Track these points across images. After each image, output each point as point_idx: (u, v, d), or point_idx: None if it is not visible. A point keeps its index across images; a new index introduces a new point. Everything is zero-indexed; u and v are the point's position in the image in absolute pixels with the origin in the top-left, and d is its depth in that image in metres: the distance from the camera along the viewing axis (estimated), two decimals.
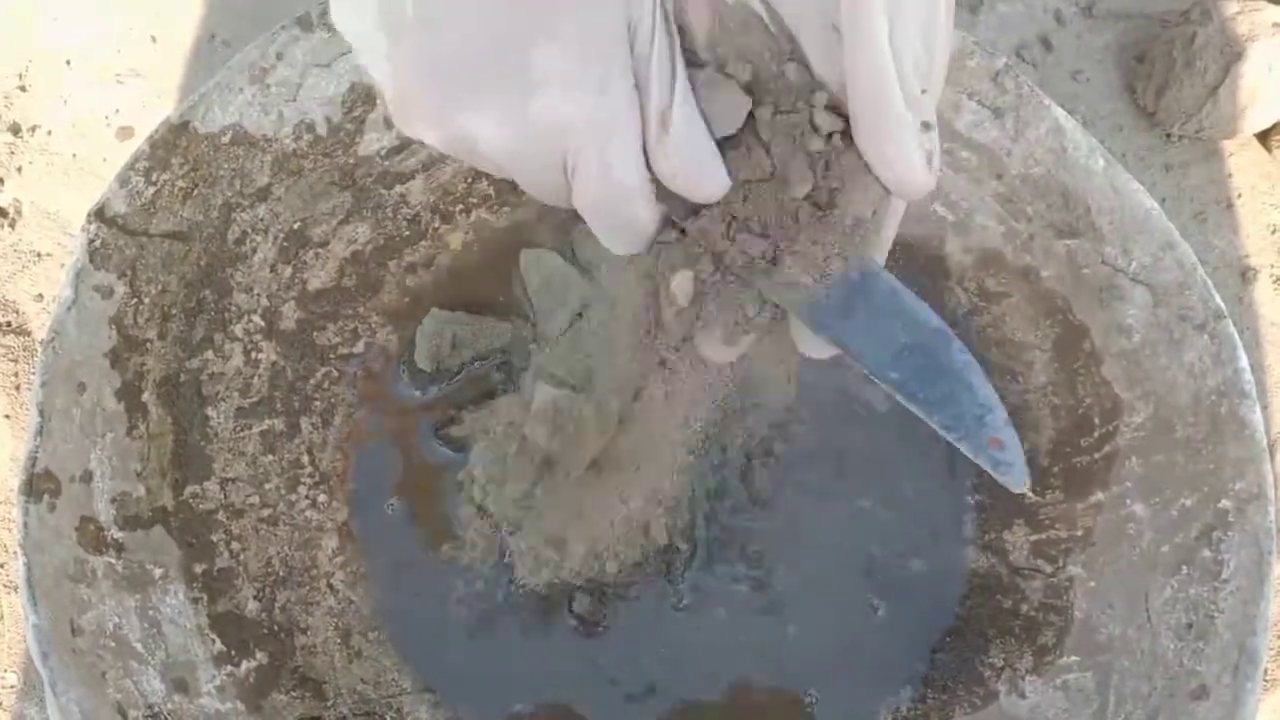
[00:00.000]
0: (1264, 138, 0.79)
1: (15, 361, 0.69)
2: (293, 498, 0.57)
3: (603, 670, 0.57)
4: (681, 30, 0.31)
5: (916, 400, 0.36)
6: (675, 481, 0.59)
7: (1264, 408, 0.62)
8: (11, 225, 0.73)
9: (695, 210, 0.33)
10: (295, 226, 0.58)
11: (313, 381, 0.59)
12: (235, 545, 0.55)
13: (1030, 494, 0.59)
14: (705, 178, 0.31)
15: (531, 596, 0.57)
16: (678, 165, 0.30)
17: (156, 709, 0.47)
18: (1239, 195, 0.79)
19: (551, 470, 0.58)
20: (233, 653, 0.52)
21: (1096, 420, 0.57)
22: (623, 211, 0.31)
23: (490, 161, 0.31)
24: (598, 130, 0.29)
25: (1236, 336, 0.53)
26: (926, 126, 0.31)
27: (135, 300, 0.52)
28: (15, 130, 0.75)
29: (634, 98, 0.29)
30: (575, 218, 0.64)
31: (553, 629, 0.57)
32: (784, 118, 0.32)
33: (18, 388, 0.69)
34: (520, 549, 0.57)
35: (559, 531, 0.57)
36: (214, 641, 0.51)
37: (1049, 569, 0.57)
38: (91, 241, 0.50)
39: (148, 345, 0.53)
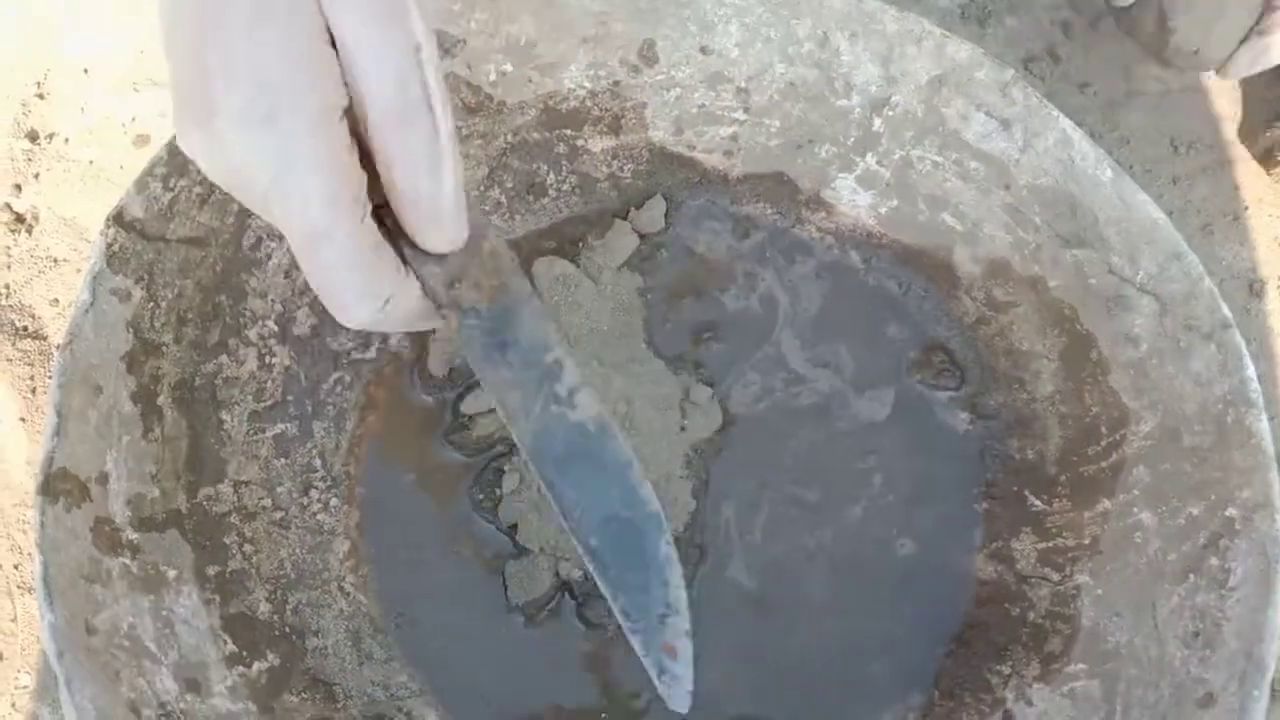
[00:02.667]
0: (1265, 160, 0.80)
1: (31, 365, 0.70)
2: (305, 501, 0.58)
3: (611, 674, 0.57)
4: None
5: (606, 575, 0.34)
6: (677, 484, 0.59)
7: (1271, 418, 0.62)
8: (29, 231, 0.74)
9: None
10: None
11: (325, 386, 0.60)
12: (248, 548, 0.55)
13: (1038, 503, 0.60)
14: (441, 235, 0.30)
15: (541, 601, 0.58)
16: (415, 214, 0.29)
17: (169, 708, 0.48)
18: (1246, 208, 0.79)
19: None
20: (244, 654, 0.52)
21: (1104, 429, 0.58)
22: (317, 260, 0.30)
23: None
24: (268, 168, 0.28)
25: (1243, 346, 0.53)
26: None
27: (152, 304, 0.53)
28: (33, 137, 0.76)
29: (330, 140, 0.28)
30: (581, 225, 0.65)
31: (562, 633, 0.58)
32: None
33: (34, 391, 0.70)
34: (511, 569, 0.57)
35: (561, 527, 0.58)
36: (226, 642, 0.52)
37: (1056, 577, 0.57)
38: (110, 245, 0.51)
39: (164, 349, 0.54)
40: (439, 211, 0.29)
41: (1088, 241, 0.58)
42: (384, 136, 0.28)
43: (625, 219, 0.64)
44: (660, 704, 0.56)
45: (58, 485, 0.48)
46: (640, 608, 0.35)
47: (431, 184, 0.28)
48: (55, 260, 0.73)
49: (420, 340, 0.61)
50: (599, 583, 0.35)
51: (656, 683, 0.35)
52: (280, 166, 0.27)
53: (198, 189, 0.54)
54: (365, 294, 0.30)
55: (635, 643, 0.35)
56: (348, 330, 0.61)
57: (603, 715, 0.57)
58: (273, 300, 0.58)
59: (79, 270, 0.72)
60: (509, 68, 0.58)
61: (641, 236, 0.64)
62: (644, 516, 0.34)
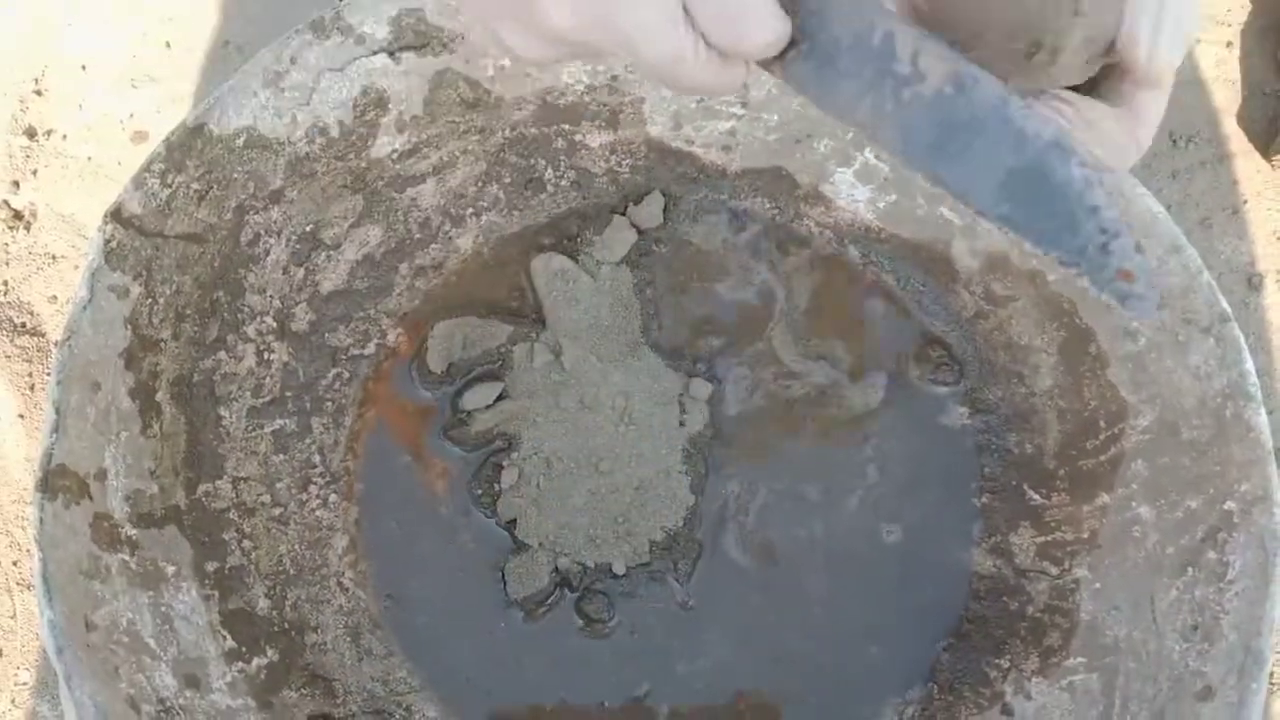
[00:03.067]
0: (1265, 151, 0.80)
1: (29, 362, 0.70)
2: (303, 497, 0.58)
3: (610, 669, 0.57)
4: None
5: (1030, 235, 0.31)
6: (676, 478, 0.59)
7: (1270, 412, 0.62)
8: (26, 228, 0.74)
9: None
10: (307, 229, 0.58)
11: (324, 382, 0.60)
12: (247, 544, 0.55)
13: (1037, 497, 0.59)
14: (756, 37, 0.29)
15: (539, 596, 0.58)
16: (719, 27, 0.29)
17: (169, 704, 0.48)
18: (1245, 202, 0.79)
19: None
20: (244, 650, 0.52)
21: (1102, 423, 0.58)
22: (682, 81, 0.30)
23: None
24: (603, 31, 0.29)
25: (1242, 339, 0.53)
26: None
27: (150, 301, 0.53)
28: (31, 134, 0.76)
29: None
30: (579, 220, 0.65)
31: (561, 627, 0.58)
32: None
33: (32, 388, 0.70)
34: (511, 565, 0.57)
35: (559, 522, 0.58)
36: (225, 638, 0.52)
37: (1055, 571, 0.57)
38: (108, 242, 0.51)
39: (162, 345, 0.53)
40: (737, 12, 0.29)
41: None
42: None
43: (623, 214, 0.64)
44: (658, 700, 0.57)
45: (57, 482, 0.48)
46: (1077, 249, 0.31)
47: None
48: (53, 257, 0.73)
49: (419, 336, 0.61)
50: (1028, 244, 0.31)
51: (1121, 309, 0.32)
52: (612, 22, 0.28)
53: (195, 185, 0.54)
54: (730, 79, 0.31)
55: (1086, 284, 0.31)
56: (346, 327, 0.61)
57: (604, 703, 0.57)
58: (271, 296, 0.58)
59: (77, 267, 0.72)
60: (507, 63, 0.58)
61: (640, 231, 0.63)
62: (1040, 151, 0.30)
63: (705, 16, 0.28)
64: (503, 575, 0.58)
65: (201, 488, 0.54)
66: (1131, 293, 0.31)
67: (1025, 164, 0.30)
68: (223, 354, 0.56)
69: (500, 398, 0.60)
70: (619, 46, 0.29)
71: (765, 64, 0.31)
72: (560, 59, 0.32)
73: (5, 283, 0.72)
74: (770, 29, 0.29)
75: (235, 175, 0.55)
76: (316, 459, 0.59)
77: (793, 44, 0.31)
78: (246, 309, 0.57)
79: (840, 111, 0.32)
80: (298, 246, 0.58)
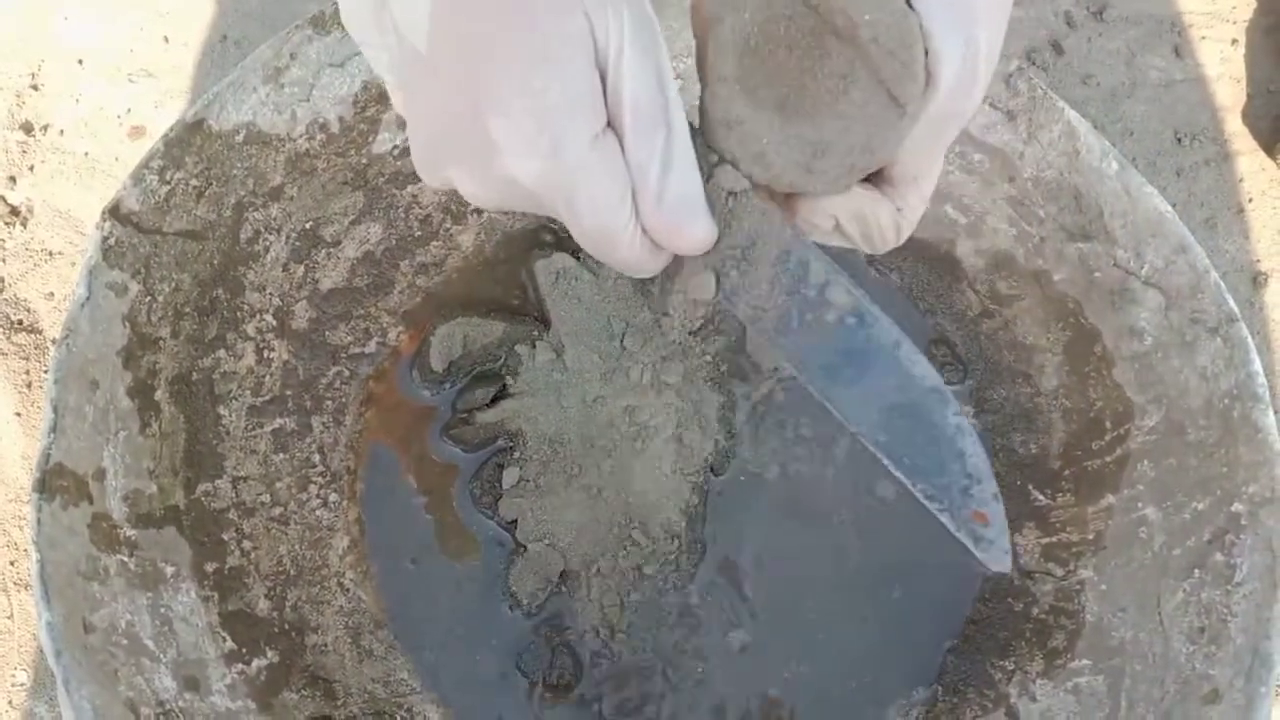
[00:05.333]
0: (1270, 149, 0.79)
1: (26, 360, 0.70)
2: (304, 496, 0.58)
3: (612, 671, 0.57)
4: None
5: (901, 466, 0.34)
6: (676, 481, 0.59)
7: (1277, 412, 0.62)
8: (23, 224, 0.73)
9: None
10: (308, 226, 0.58)
11: (324, 381, 0.59)
12: (246, 544, 0.55)
13: (1042, 498, 0.59)
14: (684, 235, 0.32)
15: (541, 597, 0.57)
16: (654, 221, 0.32)
17: (168, 706, 0.47)
18: (1250, 200, 0.79)
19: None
20: (244, 651, 0.52)
21: (1108, 423, 0.57)
22: (611, 252, 0.33)
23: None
24: (557, 190, 0.31)
25: (1250, 340, 0.53)
26: None
27: (149, 298, 0.52)
28: (28, 129, 0.75)
29: (604, 155, 0.31)
30: None
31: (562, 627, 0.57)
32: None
33: (29, 385, 0.69)
34: (517, 569, 0.57)
35: (561, 522, 0.58)
36: (225, 640, 0.52)
37: (1060, 572, 0.57)
38: (106, 239, 0.51)
39: (160, 343, 0.53)
40: (676, 208, 0.32)
41: (1092, 234, 0.57)
42: (633, 142, 0.31)
43: None
44: (662, 703, 0.57)
45: (55, 481, 0.47)
46: (941, 487, 0.34)
47: (663, 179, 0.31)
48: (50, 253, 0.72)
49: (420, 335, 0.61)
50: (896, 474, 0.34)
51: (974, 551, 0.34)
52: (570, 187, 0.31)
53: (194, 182, 0.53)
54: (650, 266, 0.34)
55: (944, 520, 0.34)
56: (347, 325, 0.60)
57: (604, 704, 0.56)
58: (270, 294, 0.57)
59: (74, 263, 0.72)
60: None
61: None
62: (923, 394, 0.34)
63: (647, 207, 0.31)
64: (506, 578, 0.57)
65: (201, 487, 0.54)
66: (984, 535, 0.34)
67: (907, 402, 0.33)
68: (222, 352, 0.56)
69: (502, 396, 0.60)
70: (565, 209, 0.31)
71: (688, 259, 0.34)
72: (506, 210, 0.34)
73: (2, 279, 0.72)
74: (701, 230, 0.32)
75: (235, 172, 0.54)
76: (317, 458, 0.58)
77: (726, 261, 0.34)
78: (246, 307, 0.57)
79: (749, 317, 0.35)
80: (298, 244, 0.58)
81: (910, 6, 0.31)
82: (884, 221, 0.35)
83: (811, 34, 0.31)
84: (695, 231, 0.32)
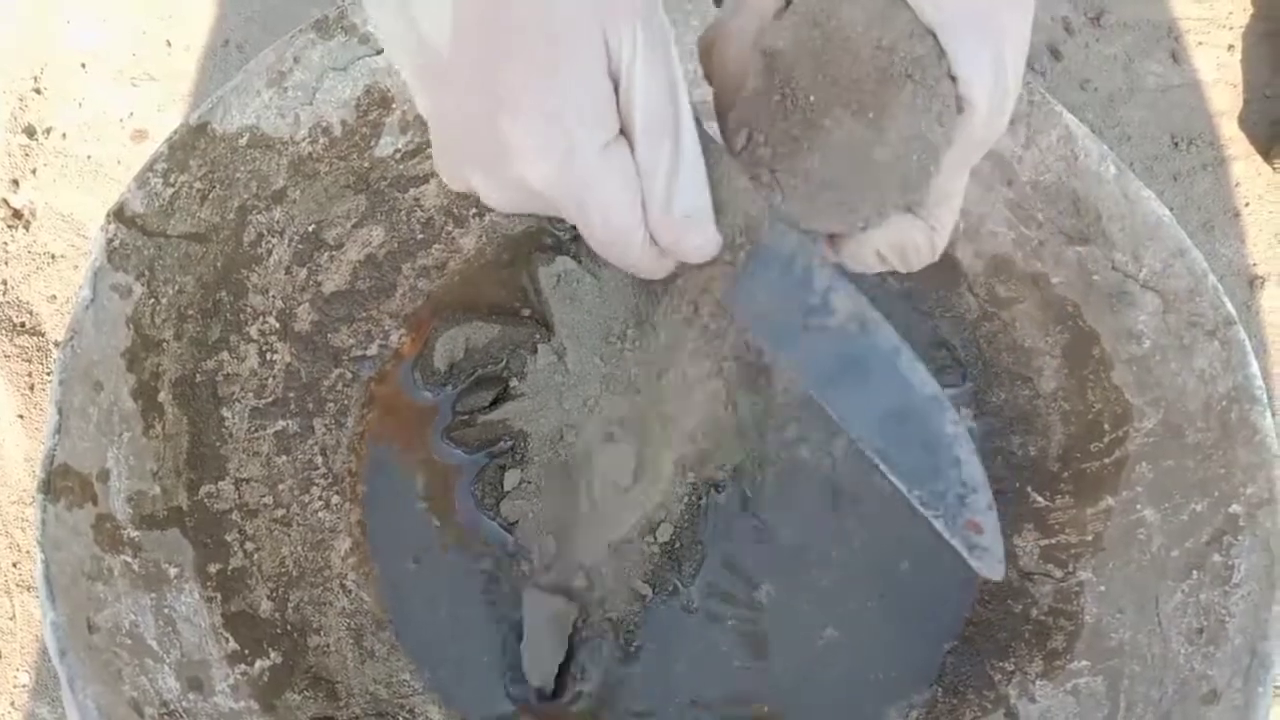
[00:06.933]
0: (1267, 154, 0.80)
1: (29, 362, 0.70)
2: (306, 498, 0.58)
3: (613, 673, 0.57)
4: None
5: (897, 472, 0.35)
6: (679, 481, 0.59)
7: (1275, 414, 0.62)
8: (26, 227, 0.73)
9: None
10: (310, 229, 0.58)
11: (326, 383, 0.60)
12: (249, 545, 0.55)
13: (1041, 500, 0.60)
14: (689, 243, 0.33)
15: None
16: (661, 228, 0.32)
17: (171, 707, 0.47)
18: (1246, 204, 0.79)
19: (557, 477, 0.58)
20: (246, 652, 0.52)
21: (1106, 426, 0.58)
22: (621, 257, 0.34)
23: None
24: (569, 194, 0.31)
25: (1247, 342, 0.53)
26: None
27: (152, 300, 0.52)
28: (30, 132, 0.76)
29: (616, 161, 0.31)
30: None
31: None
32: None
33: (31, 388, 0.69)
34: (529, 636, 0.56)
35: (565, 526, 0.58)
36: (228, 640, 0.52)
37: (1059, 574, 0.57)
38: (110, 241, 0.51)
39: (164, 345, 0.53)
40: (683, 217, 0.32)
41: (1091, 238, 0.58)
42: (643, 150, 0.32)
43: None
44: (663, 704, 0.57)
45: (59, 483, 0.47)
46: (937, 494, 0.34)
47: (670, 188, 0.32)
48: (53, 256, 0.73)
49: (421, 337, 0.61)
50: (894, 481, 0.34)
51: (967, 558, 0.35)
52: (582, 192, 0.31)
53: (198, 185, 0.53)
54: (658, 270, 0.35)
55: (939, 526, 0.35)
56: (349, 327, 0.61)
57: (605, 705, 0.57)
58: (274, 296, 0.58)
59: (76, 266, 0.72)
60: None
61: None
62: (921, 402, 0.34)
63: (655, 214, 0.32)
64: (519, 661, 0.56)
65: (204, 489, 0.54)
66: (978, 544, 0.34)
67: (905, 409, 0.34)
68: (225, 354, 0.56)
69: (503, 399, 0.60)
70: (577, 213, 0.32)
71: (691, 266, 0.35)
72: (520, 212, 0.34)
73: (4, 282, 0.72)
74: (706, 240, 0.33)
75: (238, 175, 0.55)
76: (319, 460, 0.58)
77: (717, 259, 0.34)
78: (249, 309, 0.57)
79: (751, 320, 0.35)
80: (300, 247, 0.58)
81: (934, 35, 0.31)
82: (920, 242, 0.36)
83: (840, 80, 0.31)
84: (699, 241, 0.33)
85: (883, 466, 0.35)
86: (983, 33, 0.31)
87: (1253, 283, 0.77)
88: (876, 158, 0.32)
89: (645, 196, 0.32)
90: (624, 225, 0.32)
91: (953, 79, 0.31)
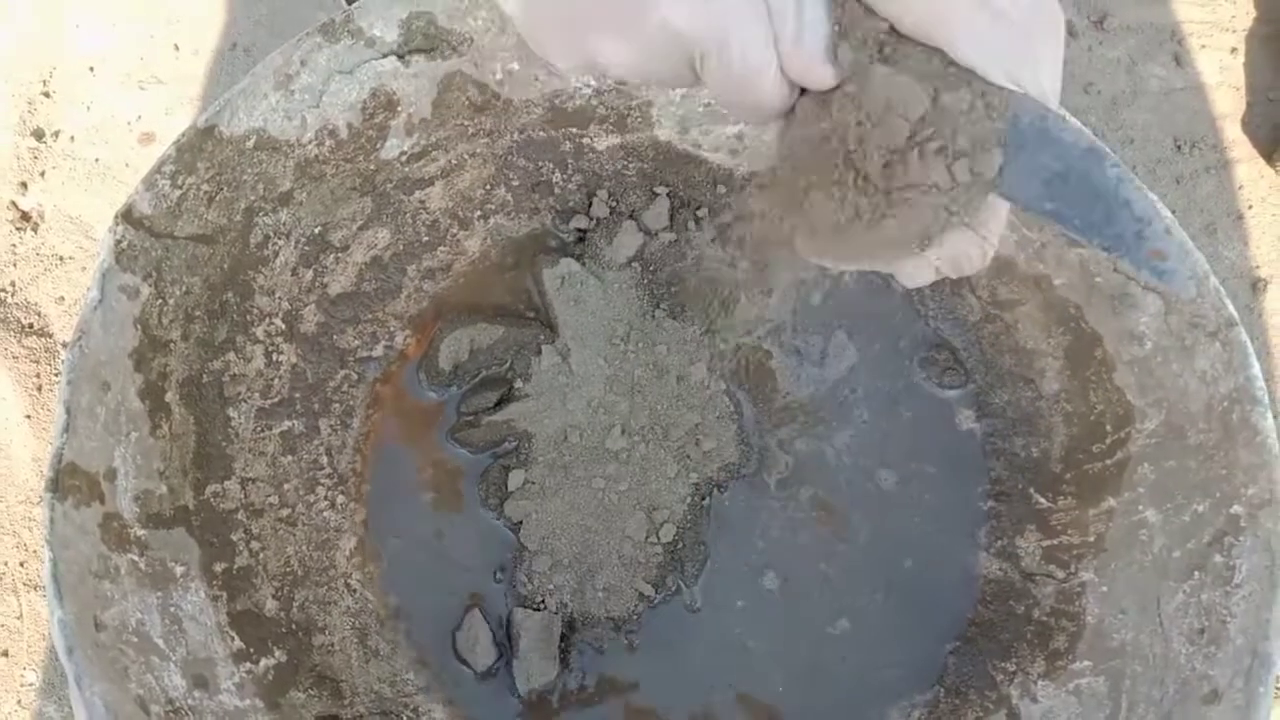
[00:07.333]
0: (1269, 157, 0.80)
1: (37, 363, 0.70)
2: (311, 498, 0.58)
3: (614, 673, 0.57)
4: None
5: (1074, 227, 0.35)
6: (680, 485, 0.59)
7: (1276, 415, 0.62)
8: (34, 229, 0.74)
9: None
10: (316, 231, 0.58)
11: (332, 384, 0.60)
12: (255, 544, 0.55)
13: (1043, 501, 0.60)
14: (817, 71, 0.34)
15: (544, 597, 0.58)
16: (792, 59, 0.34)
17: (177, 704, 0.48)
18: (1249, 207, 0.79)
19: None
20: (252, 650, 0.52)
21: (1109, 427, 0.58)
22: (748, 95, 0.35)
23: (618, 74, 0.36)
24: (711, 33, 0.33)
25: (1248, 344, 0.53)
26: None
27: (160, 301, 0.53)
28: (39, 135, 0.76)
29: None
30: (587, 223, 0.65)
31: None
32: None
33: (39, 389, 0.70)
34: (521, 653, 0.57)
35: (566, 524, 0.58)
36: (233, 639, 0.52)
37: (1061, 574, 0.57)
38: (118, 242, 0.51)
39: (171, 346, 0.54)
40: (812, 47, 0.34)
41: None
42: None
43: (631, 217, 0.64)
44: (666, 704, 0.57)
45: (67, 481, 0.48)
46: (1115, 237, 0.35)
47: (799, 22, 0.34)
48: (61, 258, 0.73)
49: (426, 338, 0.61)
50: (1070, 234, 0.36)
51: (1157, 284, 0.37)
52: (722, 29, 0.33)
53: (205, 187, 0.54)
54: (783, 104, 0.36)
55: (1125, 265, 0.36)
56: (355, 329, 0.61)
57: (607, 705, 0.57)
58: (280, 298, 0.58)
59: (84, 268, 0.73)
60: (515, 66, 0.58)
61: (647, 234, 0.64)
62: (1079, 157, 0.35)
63: (786, 47, 0.34)
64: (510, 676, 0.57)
65: (210, 488, 0.55)
66: (1165, 269, 0.35)
67: (1065, 168, 0.35)
68: (231, 355, 0.56)
69: (508, 399, 0.60)
70: (717, 51, 0.33)
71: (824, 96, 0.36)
72: (646, 73, 0.35)
73: (13, 283, 0.72)
74: (830, 68, 0.34)
75: (245, 177, 0.55)
76: (324, 460, 0.59)
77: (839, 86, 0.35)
78: (255, 310, 0.57)
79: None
80: (306, 248, 0.59)
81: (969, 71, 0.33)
82: (973, 253, 0.37)
83: (899, 137, 0.33)
84: (825, 69, 0.34)
85: (1059, 227, 0.36)
86: (1021, 68, 0.33)
87: (1255, 285, 0.77)
88: (936, 198, 0.34)
89: (777, 31, 0.33)
90: (760, 59, 0.34)
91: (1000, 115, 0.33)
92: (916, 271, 0.38)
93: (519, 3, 0.35)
